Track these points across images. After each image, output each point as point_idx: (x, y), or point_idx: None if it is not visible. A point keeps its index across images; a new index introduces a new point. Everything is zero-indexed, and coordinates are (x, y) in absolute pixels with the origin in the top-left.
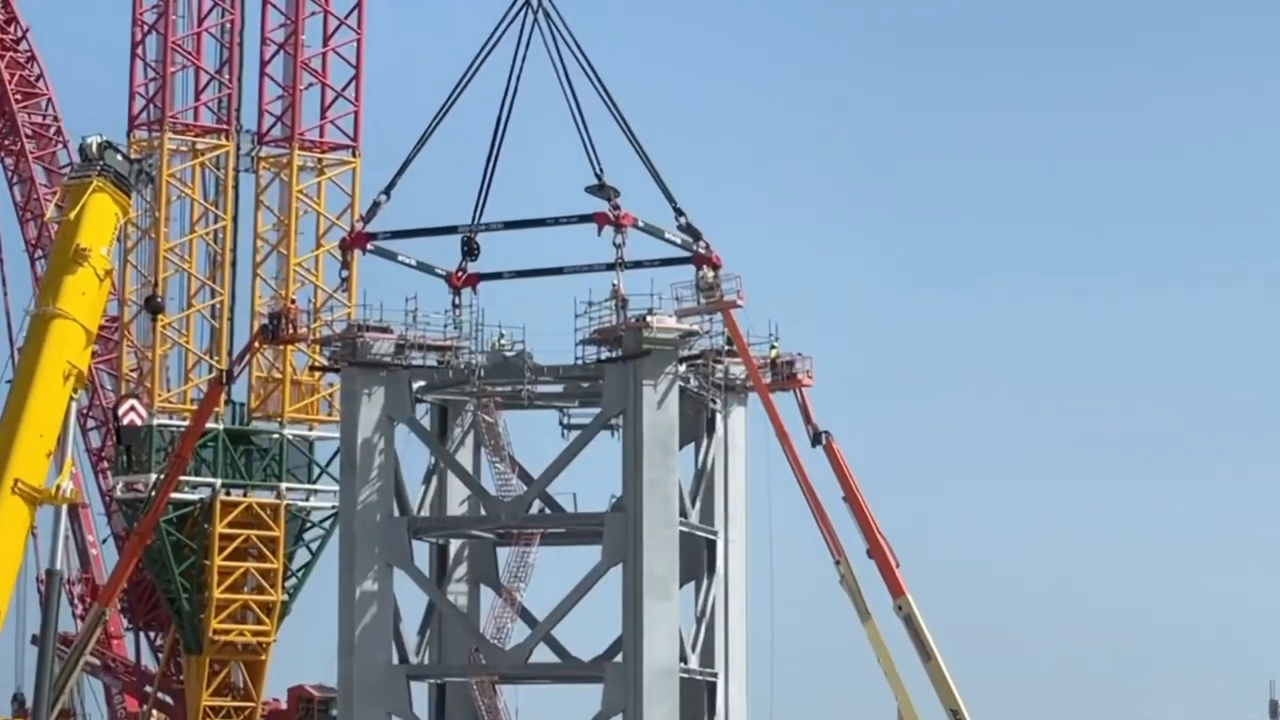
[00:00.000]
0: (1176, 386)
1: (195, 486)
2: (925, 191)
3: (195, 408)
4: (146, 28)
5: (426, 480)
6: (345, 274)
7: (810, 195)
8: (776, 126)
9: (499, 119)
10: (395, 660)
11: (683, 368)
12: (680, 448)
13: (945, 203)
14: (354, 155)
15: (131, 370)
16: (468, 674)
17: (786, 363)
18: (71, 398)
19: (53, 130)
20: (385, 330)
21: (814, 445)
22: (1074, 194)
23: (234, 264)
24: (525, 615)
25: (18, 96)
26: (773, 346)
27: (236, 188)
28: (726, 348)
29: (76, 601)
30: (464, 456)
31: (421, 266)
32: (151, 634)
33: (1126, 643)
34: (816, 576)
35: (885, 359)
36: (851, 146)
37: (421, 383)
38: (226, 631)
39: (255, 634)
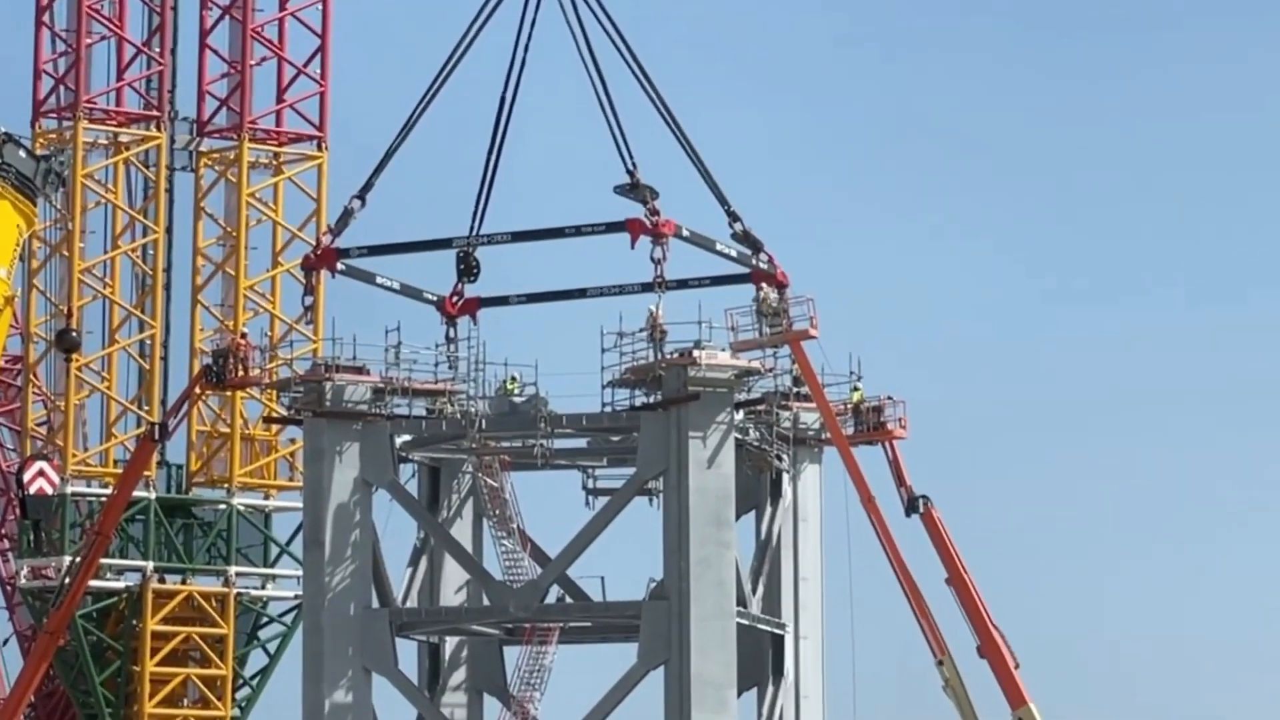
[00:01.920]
0: None
1: (121, 572)
2: (1050, 186)
3: (120, 471)
4: None
5: (414, 562)
6: (310, 300)
7: (898, 195)
8: (851, 105)
9: (502, 102)
10: None
11: (740, 416)
12: (737, 518)
13: (1076, 200)
14: (320, 149)
15: (39, 424)
16: None
17: (873, 409)
18: None
19: None
20: (361, 371)
21: (909, 514)
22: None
23: (168, 288)
24: None
25: None
26: (855, 388)
27: (171, 191)
28: (795, 390)
29: None
30: (461, 531)
31: (406, 290)
32: None
33: None
34: (913, 680)
35: (996, 402)
36: (947, 126)
37: (407, 437)
38: None
39: None
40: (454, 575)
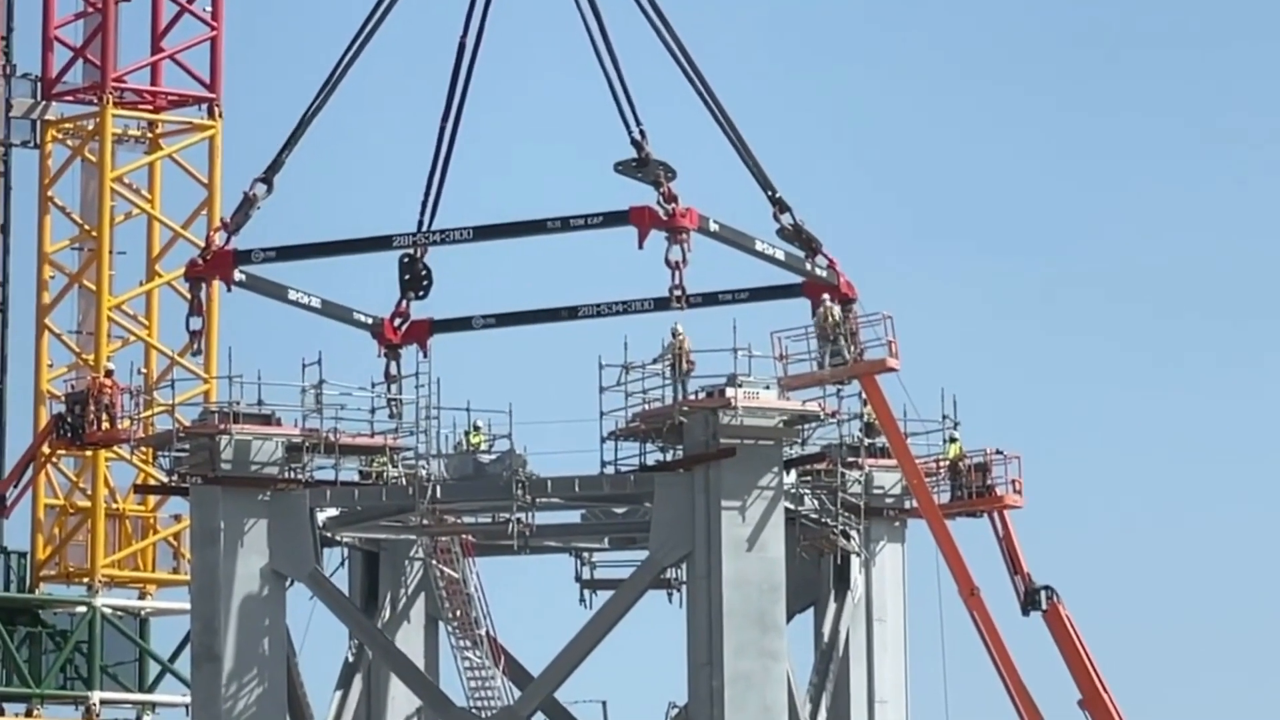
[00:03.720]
0: None
1: None
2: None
3: None
4: None
5: (344, 682)
6: (198, 323)
7: (1001, 182)
8: (950, 56)
9: (461, 49)
10: None
11: (792, 478)
12: (790, 617)
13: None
14: (212, 116)
15: None
16: None
17: (976, 467)
18: None
19: None
20: (269, 421)
21: (1026, 611)
22: None
23: (4, 308)
24: None
25: None
26: (951, 439)
27: (7, 175)
28: (868, 442)
29: None
30: (410, 639)
31: (330, 310)
32: None
33: None
34: None
35: (1134, 459)
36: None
37: (334, 511)
38: None
39: None
40: (400, 700)
